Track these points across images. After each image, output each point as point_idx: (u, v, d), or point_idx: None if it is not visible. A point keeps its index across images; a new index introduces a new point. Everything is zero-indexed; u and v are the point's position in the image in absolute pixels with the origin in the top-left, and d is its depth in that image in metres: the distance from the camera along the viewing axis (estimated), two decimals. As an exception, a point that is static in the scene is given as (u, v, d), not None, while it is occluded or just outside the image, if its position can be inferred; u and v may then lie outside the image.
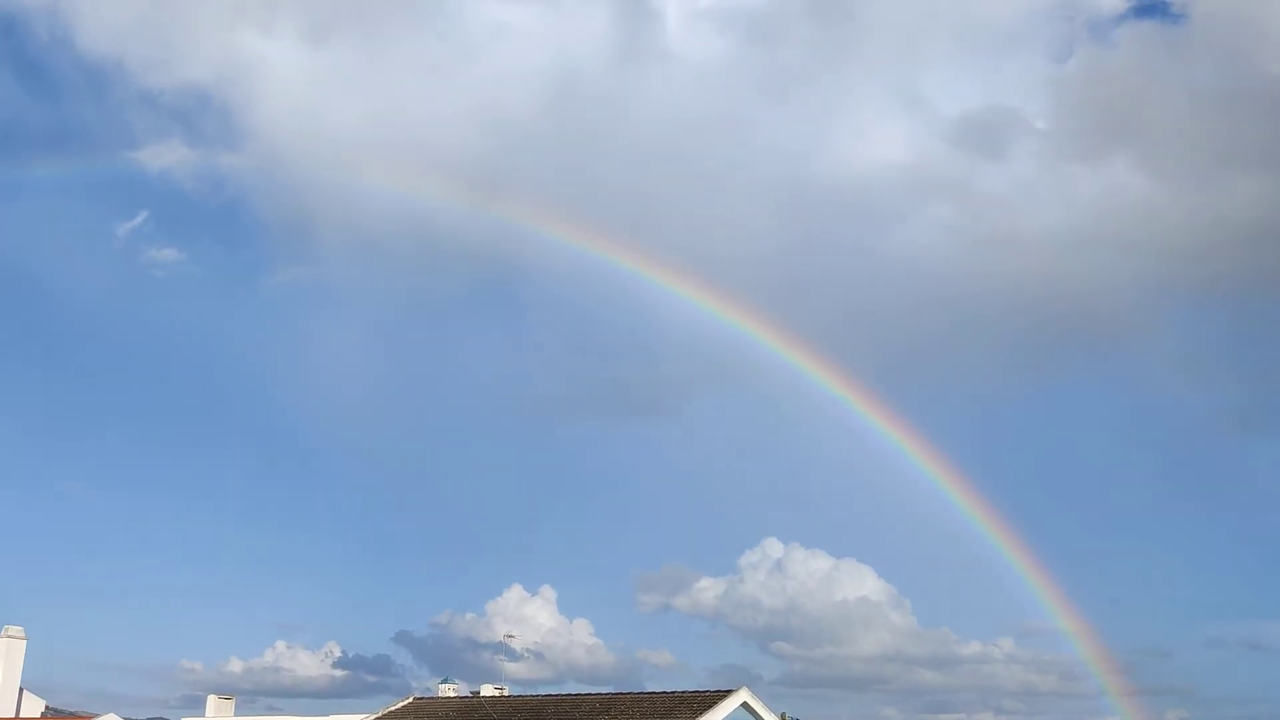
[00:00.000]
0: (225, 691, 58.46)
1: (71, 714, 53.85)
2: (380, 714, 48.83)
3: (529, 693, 52.59)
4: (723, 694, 40.99)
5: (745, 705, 41.71)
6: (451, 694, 53.47)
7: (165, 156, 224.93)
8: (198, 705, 58.56)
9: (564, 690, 50.71)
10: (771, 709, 42.16)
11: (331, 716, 52.26)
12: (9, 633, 48.21)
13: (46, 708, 53.01)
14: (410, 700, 51.11)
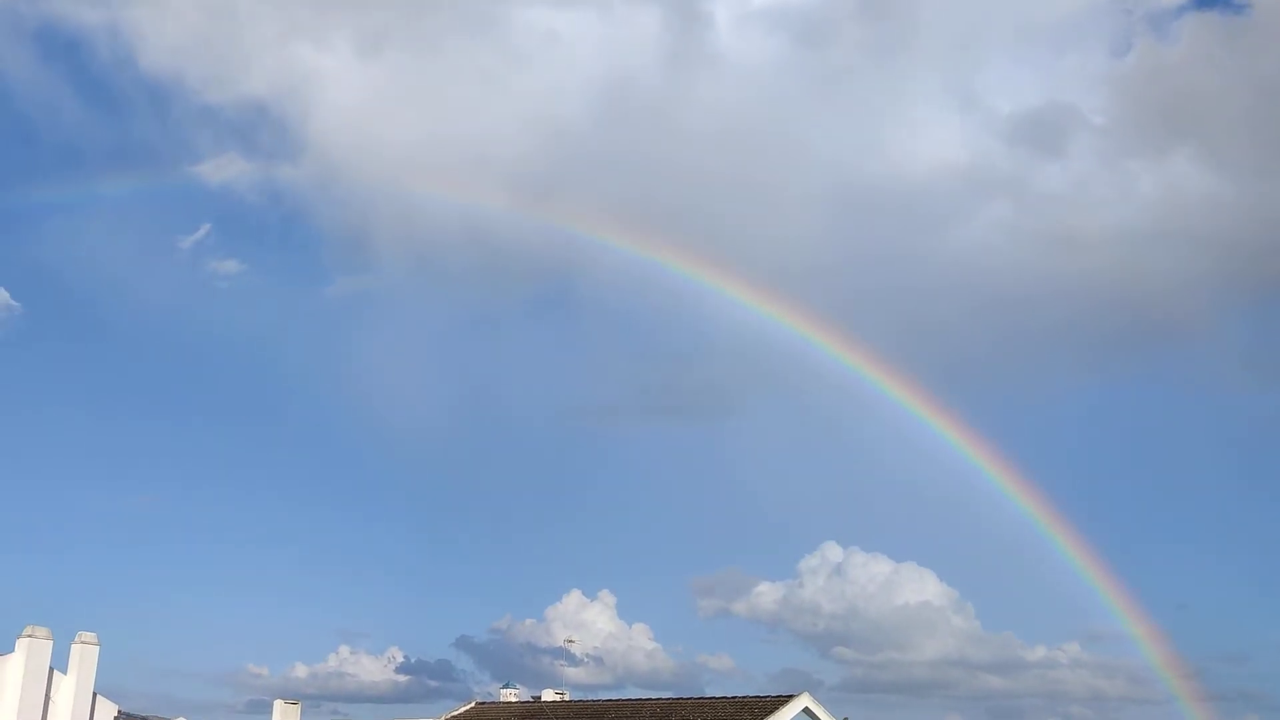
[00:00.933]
0: (290, 696, 59.20)
1: (143, 718, 54.92)
2: (443, 718, 49.31)
3: (589, 698, 52.79)
4: (784, 699, 40.85)
5: (807, 710, 41.52)
6: (513, 699, 53.82)
7: (225, 170, 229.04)
8: (264, 710, 59.40)
9: (624, 695, 50.83)
10: (833, 714, 41.91)
11: (395, 721, 52.83)
12: (83, 639, 49.25)
13: (119, 713, 54.10)
14: (473, 705, 51.56)
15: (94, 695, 45.42)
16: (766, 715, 39.12)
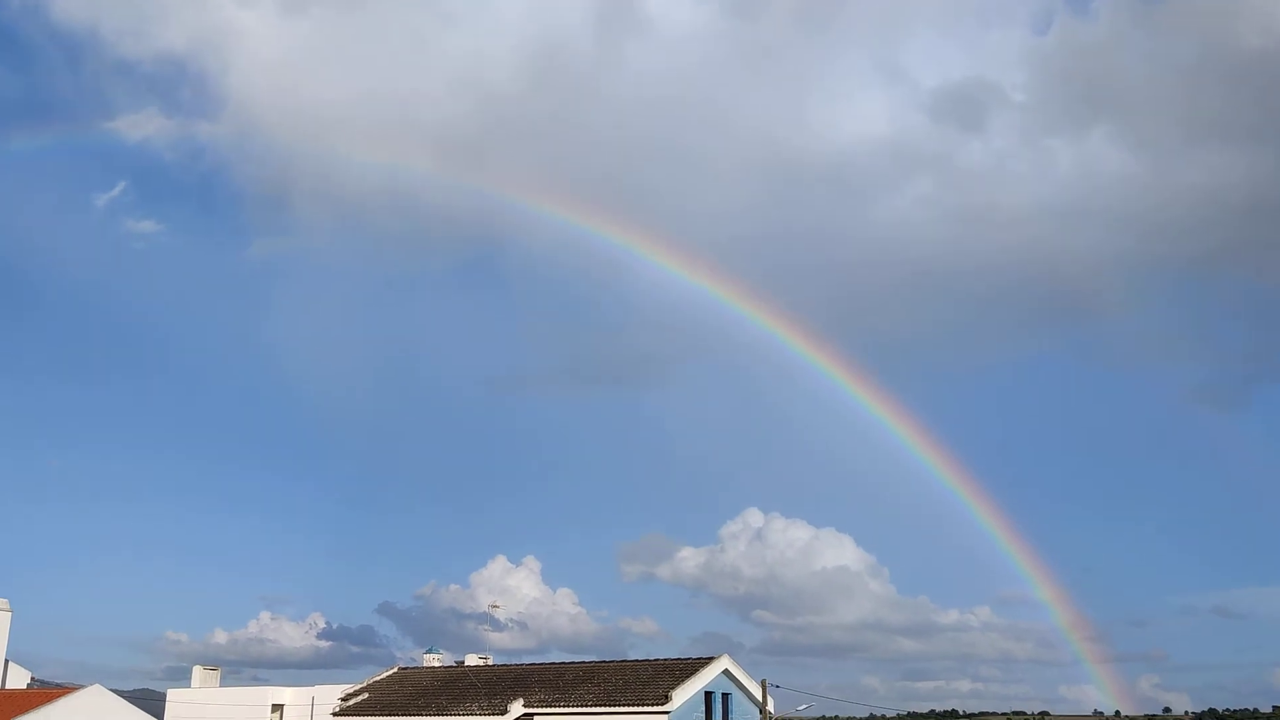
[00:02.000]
0: (210, 662, 58.75)
1: (57, 685, 54.02)
2: (365, 683, 49.24)
3: (513, 662, 53.14)
4: (704, 661, 41.60)
5: (726, 672, 42.35)
6: (436, 664, 53.94)
7: (142, 126, 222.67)
8: (183, 676, 58.88)
9: (548, 659, 51.29)
10: (752, 676, 42.81)
11: (317, 686, 52.60)
12: (-7, 605, 48.35)
13: (32, 679, 53.17)
14: (395, 670, 51.55)
15: (5, 663, 44.55)
16: (687, 677, 39.80)
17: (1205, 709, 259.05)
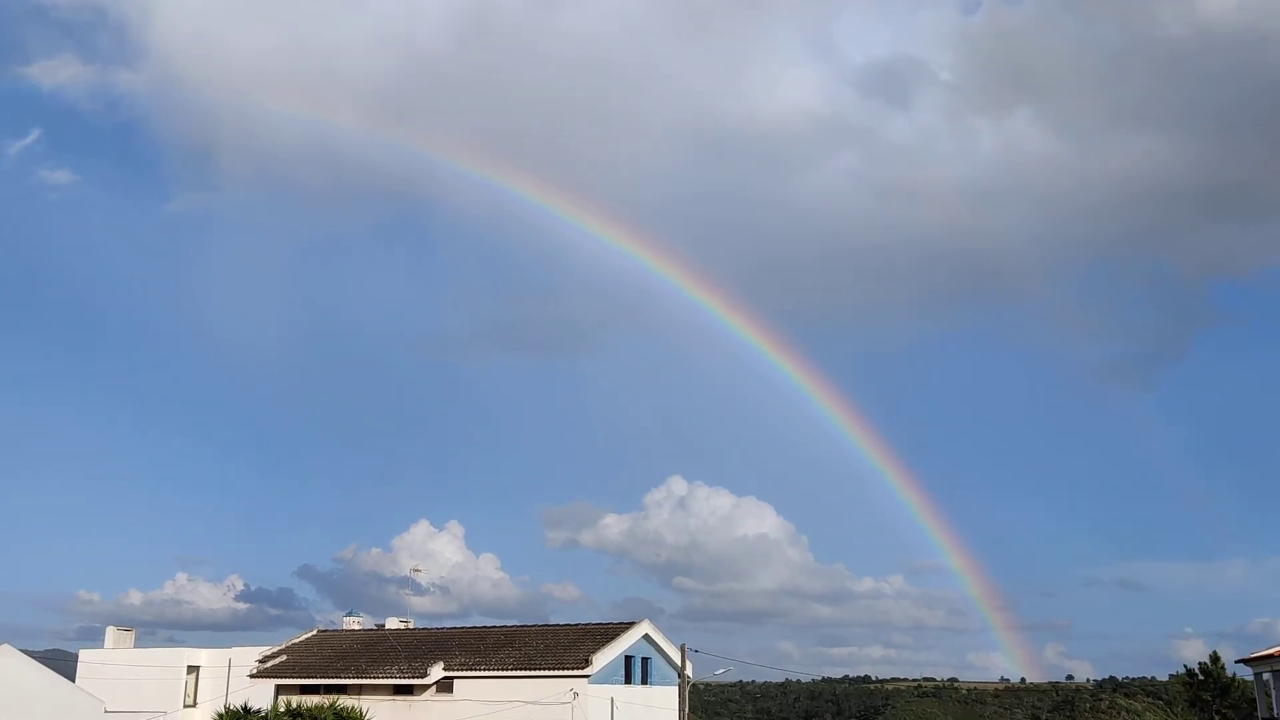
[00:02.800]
0: (124, 623, 57.93)
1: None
2: (284, 645, 49.01)
3: (434, 626, 53.27)
4: (625, 626, 42.18)
5: (647, 637, 42.99)
6: (356, 627, 53.85)
7: (58, 73, 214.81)
8: (96, 637, 58.05)
9: (469, 624, 51.51)
10: (672, 641, 43.52)
11: (234, 648, 52.20)
12: (-103, 563, 47.05)
13: (-63, 639, 51.96)
14: (314, 633, 51.37)
15: (-90, 622, 43.42)
16: (607, 642, 40.34)
17: (1106, 676, 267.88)
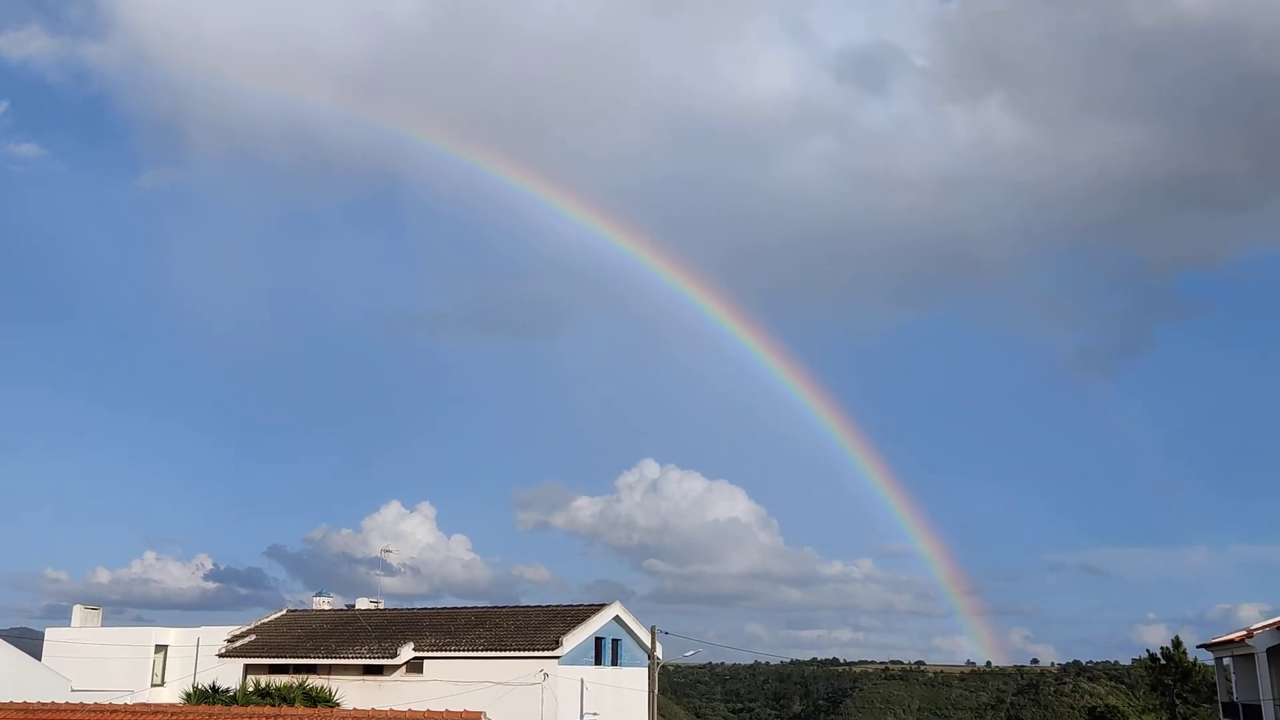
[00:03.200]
0: (92, 602, 57.57)
1: (-73, 623, 52.35)
2: (253, 625, 48.84)
3: (405, 606, 53.24)
4: (595, 608, 42.31)
5: (617, 619, 43.14)
6: (326, 607, 53.74)
7: (25, 44, 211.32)
8: (63, 615, 57.73)
9: (440, 605, 51.51)
10: (642, 623, 43.69)
11: (203, 627, 52.02)
12: None
13: (-100, 617, 51.50)
14: (284, 613, 51.22)
15: (-126, 599, 42.98)
16: (578, 623, 40.46)
17: (1070, 661, 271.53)
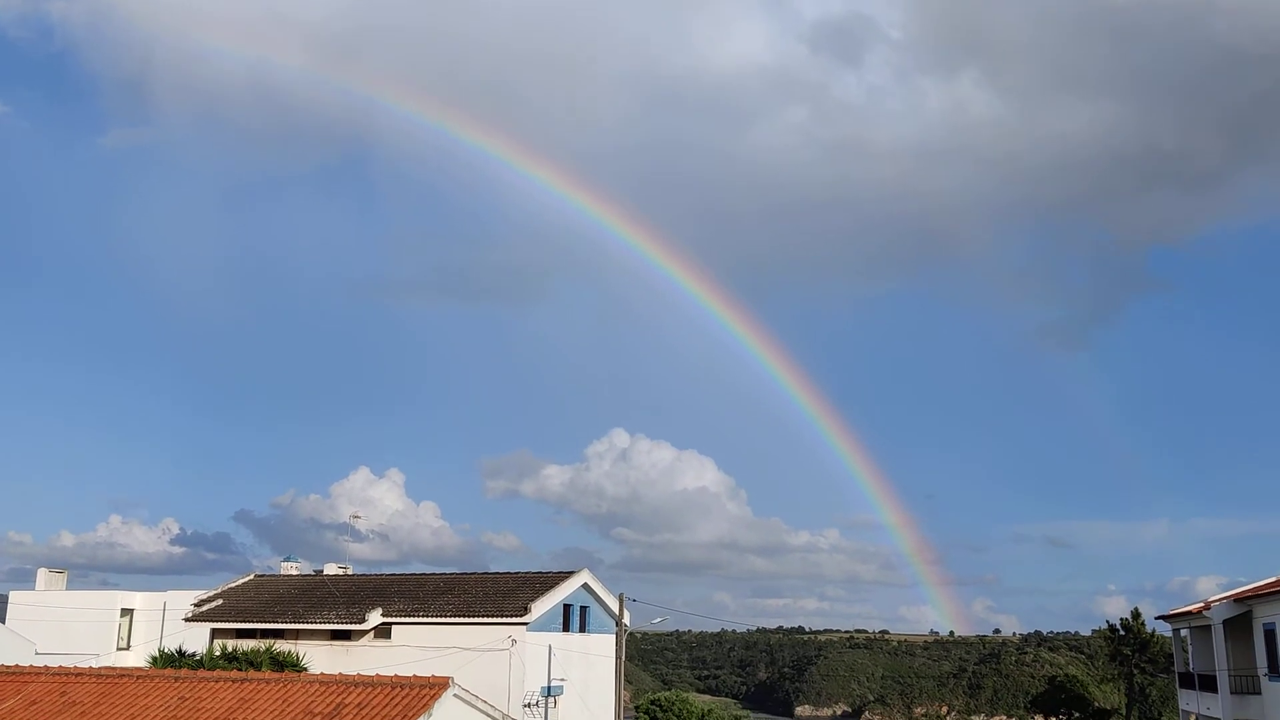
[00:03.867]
0: (56, 565, 57.18)
1: (-112, 585, 51.82)
2: (220, 589, 48.73)
3: (373, 572, 53.26)
4: (564, 575, 42.50)
5: (586, 586, 43.36)
6: (294, 572, 53.68)
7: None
8: (27, 579, 57.37)
9: (409, 571, 51.58)
10: (610, 590, 43.93)
11: (169, 592, 51.82)
12: None
13: None
14: (251, 577, 51.11)
15: None
16: (547, 590, 40.63)
17: (1032, 631, 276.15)
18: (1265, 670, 36.36)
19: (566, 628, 41.97)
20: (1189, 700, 44.73)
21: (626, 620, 40.21)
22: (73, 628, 49.40)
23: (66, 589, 55.36)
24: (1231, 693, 38.22)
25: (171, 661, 40.40)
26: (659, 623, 50.28)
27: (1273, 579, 38.85)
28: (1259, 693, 37.15)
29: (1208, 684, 40.83)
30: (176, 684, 33.12)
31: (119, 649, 51.03)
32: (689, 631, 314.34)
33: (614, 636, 40.42)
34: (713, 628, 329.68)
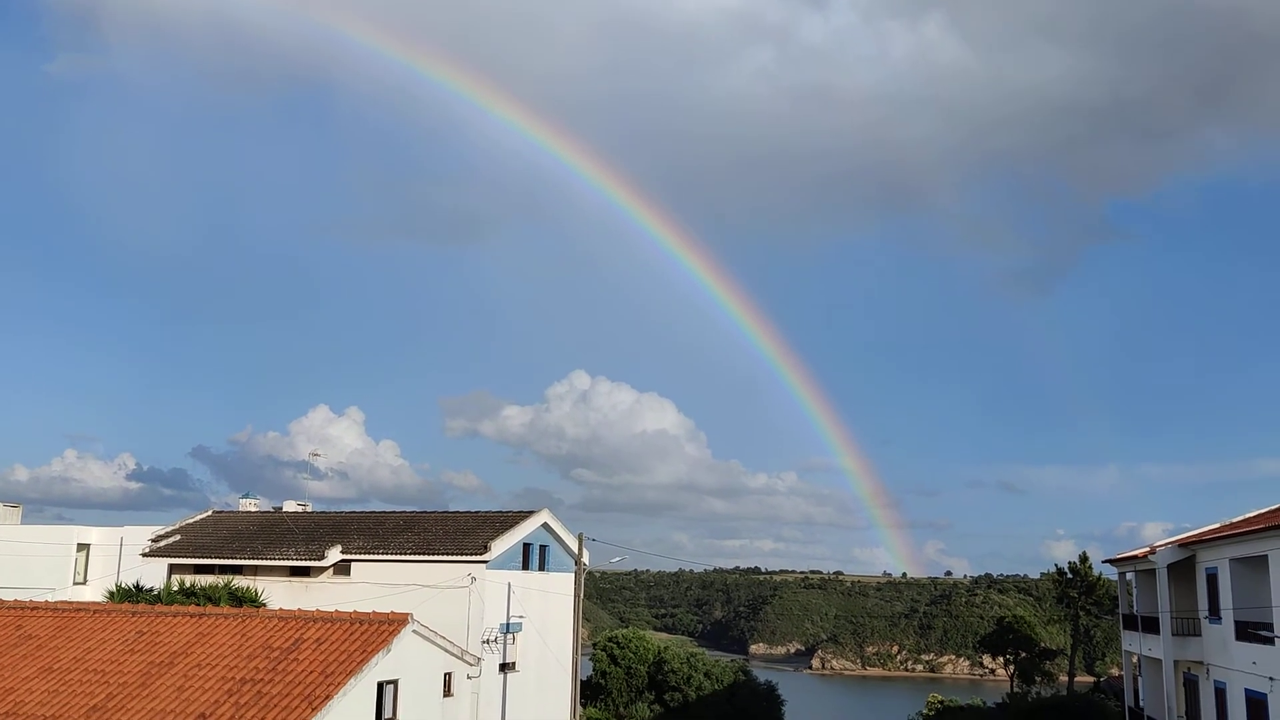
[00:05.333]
0: (10, 499, 56.67)
1: None
2: (178, 525, 48.57)
3: (332, 509, 53.28)
4: (524, 514, 42.76)
5: (546, 526, 43.66)
6: (253, 509, 53.57)
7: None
8: (-21, 513, 56.67)
9: (368, 508, 51.61)
10: (570, 530, 44.27)
11: (126, 527, 51.56)
12: None
13: None
14: (210, 513, 50.96)
15: None
16: (506, 529, 40.88)
17: (982, 573, 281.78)
18: (1206, 613, 37.43)
19: (526, 566, 42.31)
20: (1132, 641, 45.99)
21: (586, 559, 40.62)
22: (28, 563, 49.09)
23: (21, 524, 54.94)
24: (1173, 634, 39.35)
25: (129, 596, 40.34)
26: (617, 562, 50.81)
27: (1216, 525, 39.84)
28: (1199, 634, 38.27)
29: (1150, 626, 41.98)
30: (134, 618, 33.14)
31: (75, 584, 50.85)
32: (647, 571, 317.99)
33: (573, 575, 40.82)
34: (670, 568, 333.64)
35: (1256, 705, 32.42)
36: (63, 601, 38.11)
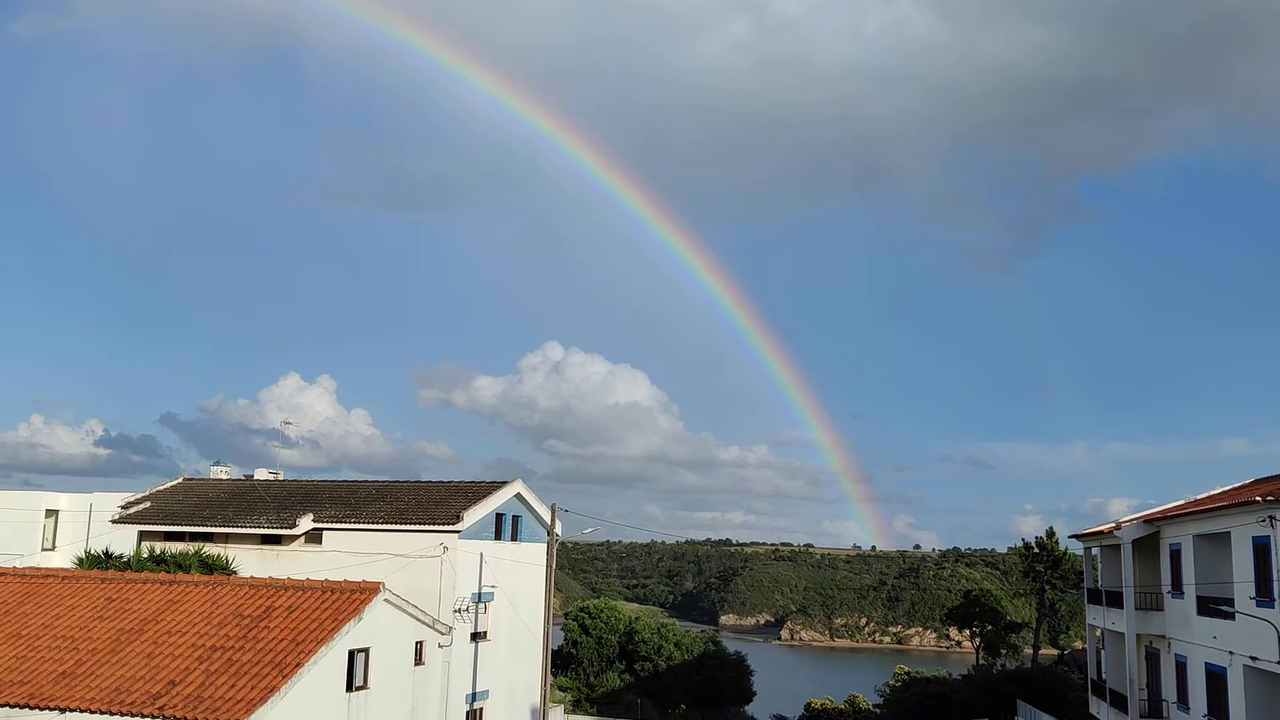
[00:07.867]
0: (-24, 465, 56.15)
1: None
2: (148, 491, 48.30)
3: (304, 478, 53.11)
4: (497, 485, 42.79)
5: (519, 496, 43.72)
6: (224, 477, 53.32)
7: None
8: (-55, 478, 56.11)
9: (339, 477, 51.48)
10: (543, 501, 44.36)
11: (96, 494, 51.20)
12: None
13: None
14: (180, 480, 50.70)
15: None
16: (479, 499, 40.91)
17: (951, 547, 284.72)
18: (1169, 588, 38.02)
19: (498, 536, 42.39)
20: (1096, 615, 46.67)
21: (558, 530, 40.70)
22: (-5, 528, 48.72)
23: (-13, 489, 54.44)
24: (1136, 609, 39.95)
25: (98, 563, 40.15)
26: (590, 533, 50.91)
27: (1181, 501, 40.40)
28: (1161, 609, 38.88)
29: (1114, 600, 42.59)
30: (103, 585, 33.02)
31: (44, 550, 50.50)
32: (619, 542, 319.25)
33: (545, 545, 40.93)
34: (642, 539, 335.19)
35: (1216, 678, 33.03)
36: (31, 568, 37.90)
